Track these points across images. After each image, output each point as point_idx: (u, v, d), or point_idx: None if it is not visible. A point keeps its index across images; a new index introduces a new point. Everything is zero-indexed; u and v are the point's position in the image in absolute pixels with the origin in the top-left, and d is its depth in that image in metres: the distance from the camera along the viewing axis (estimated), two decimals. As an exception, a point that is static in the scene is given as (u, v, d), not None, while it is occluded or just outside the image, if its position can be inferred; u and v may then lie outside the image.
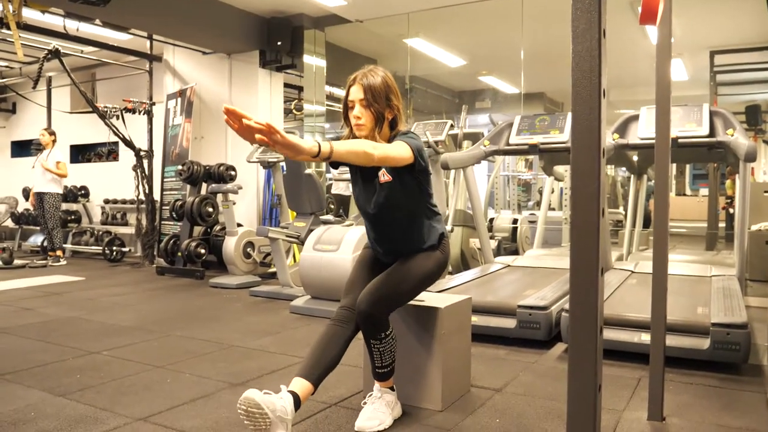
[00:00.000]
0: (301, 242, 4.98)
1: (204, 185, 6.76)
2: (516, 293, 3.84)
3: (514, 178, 10.03)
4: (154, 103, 7.76)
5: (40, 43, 7.15)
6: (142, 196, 7.29)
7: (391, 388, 2.30)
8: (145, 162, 7.35)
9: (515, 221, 7.51)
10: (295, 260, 6.26)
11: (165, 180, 7.51)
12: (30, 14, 5.94)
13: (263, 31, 7.16)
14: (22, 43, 5.68)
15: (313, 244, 4.47)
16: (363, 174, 2.27)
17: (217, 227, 6.64)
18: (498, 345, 3.43)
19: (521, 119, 4.94)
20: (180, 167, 6.75)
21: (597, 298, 1.31)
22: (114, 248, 7.62)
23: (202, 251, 6.38)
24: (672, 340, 2.82)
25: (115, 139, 7.20)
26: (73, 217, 8.87)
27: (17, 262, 7.20)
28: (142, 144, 7.44)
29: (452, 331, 2.48)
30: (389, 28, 7.55)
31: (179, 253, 6.45)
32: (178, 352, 3.33)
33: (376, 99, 2.17)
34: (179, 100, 7.50)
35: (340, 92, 8.26)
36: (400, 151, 2.06)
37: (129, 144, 7.08)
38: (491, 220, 7.45)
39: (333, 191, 7.78)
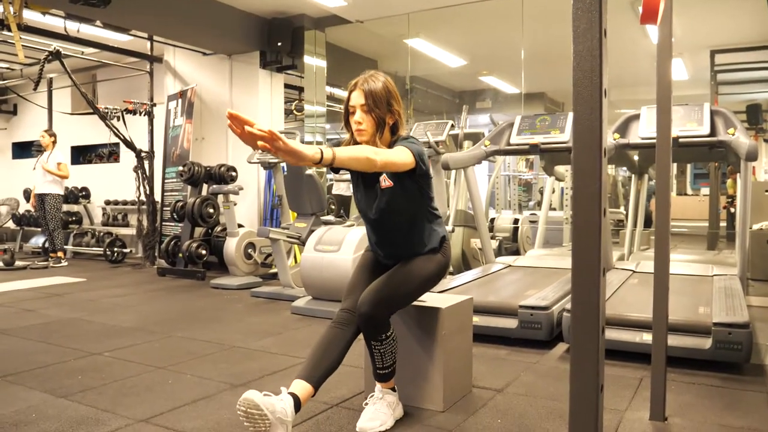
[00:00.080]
0: (302, 243, 4.98)
1: (205, 186, 6.76)
2: (517, 293, 3.84)
3: (514, 178, 10.03)
4: (154, 104, 7.76)
5: (40, 45, 7.15)
6: (143, 197, 7.29)
7: (393, 389, 2.30)
8: (146, 163, 7.35)
9: (516, 221, 7.51)
10: (296, 261, 6.26)
11: (166, 181, 7.51)
12: (31, 16, 5.95)
13: (264, 31, 7.16)
14: (23, 45, 5.69)
15: (314, 244, 4.47)
16: (364, 179, 2.27)
17: (218, 228, 6.64)
18: (499, 345, 3.43)
19: (522, 119, 4.94)
20: (181, 168, 6.75)
21: (599, 298, 1.31)
22: (115, 249, 7.63)
23: (203, 252, 6.38)
24: (674, 340, 2.82)
25: (115, 140, 7.20)
26: (74, 218, 8.87)
27: (18, 263, 7.21)
28: (142, 145, 7.44)
29: (453, 331, 2.48)
30: (389, 29, 7.55)
31: (180, 254, 6.45)
32: (179, 353, 3.33)
33: (377, 104, 2.17)
34: (180, 101, 7.51)
35: (340, 93, 8.27)
36: (402, 157, 2.07)
37: (130, 145, 7.09)
38: (492, 220, 7.45)
39: (334, 192, 7.78)
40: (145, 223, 7.40)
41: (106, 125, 6.92)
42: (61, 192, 7.50)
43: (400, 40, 7.79)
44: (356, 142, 2.22)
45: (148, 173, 7.37)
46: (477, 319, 3.33)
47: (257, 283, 5.67)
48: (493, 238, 6.62)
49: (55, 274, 6.62)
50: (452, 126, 6.04)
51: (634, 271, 4.41)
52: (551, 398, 2.56)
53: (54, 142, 7.54)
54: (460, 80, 10.11)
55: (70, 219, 8.74)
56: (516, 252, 7.01)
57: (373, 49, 8.41)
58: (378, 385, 2.28)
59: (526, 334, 3.41)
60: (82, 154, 9.92)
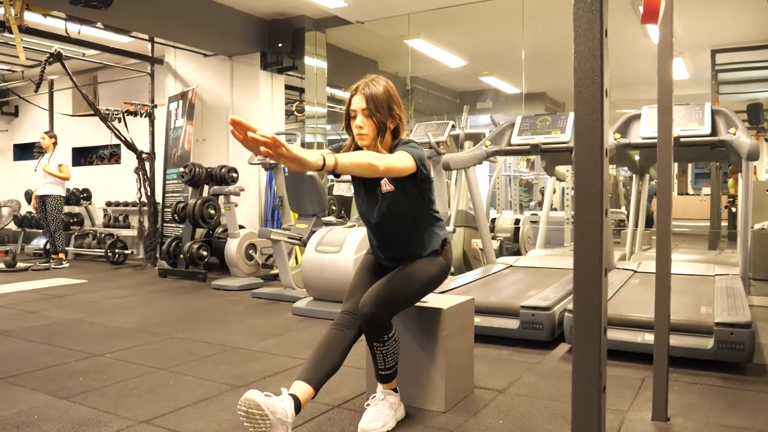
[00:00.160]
0: (303, 244, 4.98)
1: (206, 187, 6.76)
2: (519, 294, 3.83)
3: (515, 179, 10.02)
4: (155, 106, 7.77)
5: (42, 47, 7.16)
6: (144, 199, 7.29)
7: (395, 390, 2.30)
8: (147, 164, 7.36)
9: (517, 222, 7.50)
10: (297, 262, 6.26)
11: (167, 182, 7.52)
12: (32, 17, 5.95)
13: (264, 33, 7.16)
14: (24, 47, 5.69)
15: (315, 245, 4.47)
16: (365, 184, 2.28)
17: (219, 229, 6.64)
18: (501, 346, 3.42)
19: (523, 119, 4.94)
20: (182, 169, 6.75)
21: (601, 298, 1.31)
22: (116, 251, 7.63)
23: (205, 253, 6.38)
24: (676, 340, 2.82)
25: (117, 141, 7.20)
26: (75, 219, 8.88)
27: (20, 265, 7.21)
28: (143, 146, 7.45)
29: (455, 332, 2.48)
30: (390, 29, 7.56)
31: (181, 256, 6.45)
32: (180, 354, 3.33)
33: (378, 108, 2.17)
34: (181, 102, 7.51)
35: (341, 94, 8.27)
36: (403, 162, 2.07)
37: (131, 146, 7.09)
38: (493, 220, 7.45)
39: (335, 193, 7.79)
40: (146, 224, 7.40)
41: (107, 127, 6.92)
42: (63, 193, 7.50)
43: (401, 41, 7.79)
44: (357, 146, 2.23)
45: (149, 174, 7.37)
46: (478, 320, 3.33)
47: (258, 284, 5.67)
48: (494, 238, 6.62)
49: (57, 276, 6.62)
50: (453, 126, 6.04)
51: (635, 271, 4.40)
52: (553, 399, 2.55)
53: (54, 144, 7.54)
54: (461, 81, 10.11)
55: (71, 220, 8.75)
56: (517, 252, 7.00)
57: (374, 49, 8.41)
58: (380, 386, 2.28)
59: (527, 334, 3.40)
60: (83, 156, 9.93)
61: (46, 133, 7.65)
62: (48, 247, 7.76)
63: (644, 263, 4.62)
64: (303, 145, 7.08)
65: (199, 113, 7.56)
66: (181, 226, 6.80)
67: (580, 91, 1.30)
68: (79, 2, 5.00)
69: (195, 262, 6.30)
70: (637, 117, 4.56)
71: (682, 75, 8.57)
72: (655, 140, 2.29)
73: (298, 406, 1.97)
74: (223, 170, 6.73)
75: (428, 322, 2.42)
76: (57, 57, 6.47)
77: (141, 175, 7.21)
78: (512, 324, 3.44)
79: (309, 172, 5.21)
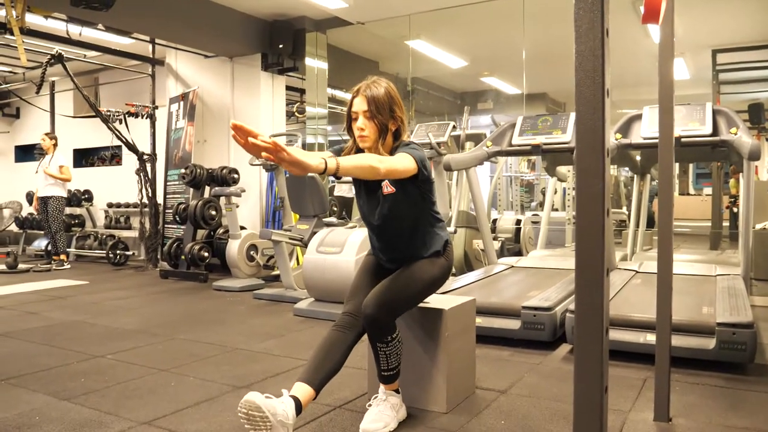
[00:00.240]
0: (305, 245, 4.98)
1: (207, 188, 6.77)
2: (520, 294, 3.83)
3: (516, 179, 10.02)
4: (156, 107, 7.78)
5: (43, 48, 7.17)
6: (145, 200, 7.30)
7: (396, 391, 2.30)
8: (148, 166, 7.36)
9: (518, 222, 7.50)
10: (298, 263, 6.26)
11: (168, 183, 7.52)
12: (33, 19, 5.96)
13: (265, 34, 7.17)
14: (25, 48, 5.70)
15: (317, 246, 4.47)
16: (366, 186, 2.28)
17: (221, 230, 6.64)
18: (502, 346, 3.42)
19: (524, 120, 4.93)
20: (183, 170, 6.76)
21: (602, 299, 1.31)
22: (118, 252, 7.64)
23: (206, 254, 6.39)
24: (677, 341, 2.81)
25: (118, 143, 7.21)
26: (76, 221, 8.89)
27: (22, 266, 7.22)
28: (145, 148, 7.45)
29: (457, 332, 2.48)
30: (391, 30, 7.56)
31: (183, 257, 6.46)
32: (182, 355, 3.33)
33: (380, 110, 2.17)
34: (182, 103, 7.52)
35: (342, 94, 8.27)
36: (405, 163, 2.07)
37: (132, 148, 7.10)
38: (494, 221, 7.44)
39: (336, 193, 7.78)
40: (147, 225, 7.41)
41: (109, 128, 6.93)
42: (64, 194, 7.51)
43: (402, 42, 7.80)
44: (359, 148, 2.23)
45: (150, 176, 7.37)
46: (480, 320, 3.32)
47: (259, 285, 5.67)
48: (495, 239, 6.61)
49: (58, 277, 6.63)
50: (454, 127, 6.04)
51: (637, 272, 4.40)
52: (555, 399, 2.55)
53: (55, 145, 7.55)
54: (462, 81, 10.11)
55: (72, 222, 8.76)
56: (518, 253, 7.00)
57: (375, 50, 8.41)
58: (381, 387, 2.28)
59: (529, 335, 3.40)
60: (84, 157, 9.94)
61: (46, 134, 7.66)
62: (49, 248, 7.77)
63: (646, 263, 4.61)
64: (304, 146, 7.09)
65: (200, 114, 7.56)
66: (182, 227, 6.80)
67: (582, 91, 1.30)
68: (80, 4, 5.01)
69: (196, 263, 6.31)
70: (638, 117, 4.55)
71: (683, 75, 8.56)
72: (656, 140, 2.29)
73: (299, 407, 1.96)
74: (224, 171, 6.73)
75: (430, 322, 2.42)
76: (58, 58, 6.48)
77: (142, 177, 7.22)
78: (514, 324, 3.44)
79: (310, 174, 5.21)
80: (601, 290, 1.31)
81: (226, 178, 6.70)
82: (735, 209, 7.91)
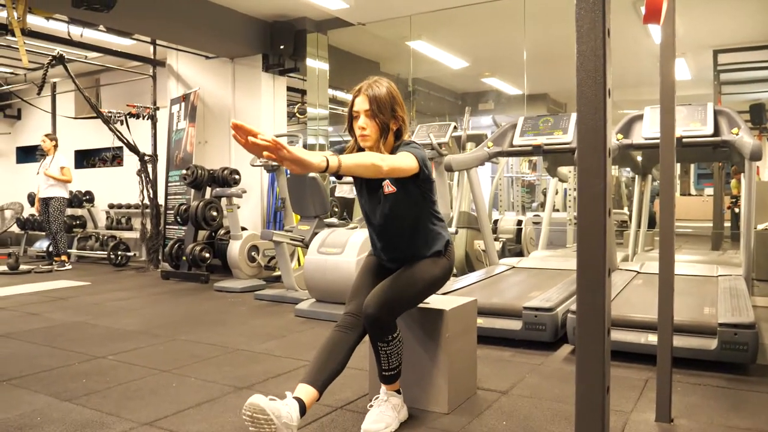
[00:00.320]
0: (306, 245, 4.98)
1: (208, 189, 6.77)
2: (521, 295, 3.83)
3: (517, 180, 10.01)
4: (157, 108, 7.78)
5: (44, 50, 7.19)
6: (146, 201, 7.31)
7: (398, 391, 2.30)
8: (150, 166, 7.37)
9: (519, 223, 7.49)
10: (299, 263, 6.26)
11: (169, 184, 7.52)
12: (34, 21, 5.97)
13: (266, 35, 7.17)
14: (26, 50, 5.70)
15: (318, 247, 4.47)
16: (368, 186, 2.28)
17: (222, 231, 6.65)
18: (503, 347, 3.42)
19: (525, 120, 4.93)
20: (184, 171, 6.76)
21: (604, 299, 1.31)
22: (119, 253, 7.64)
23: (207, 255, 6.39)
24: (679, 341, 2.81)
25: (119, 144, 7.22)
26: (78, 222, 8.90)
27: (23, 267, 7.23)
28: (146, 149, 7.46)
29: (458, 333, 2.47)
30: (392, 31, 7.56)
31: (184, 258, 6.46)
32: (183, 356, 3.33)
33: (381, 110, 2.18)
34: (183, 104, 7.52)
35: (343, 95, 8.27)
36: (406, 162, 2.07)
37: (133, 149, 7.10)
38: (495, 221, 7.44)
39: (337, 194, 7.77)
40: (148, 226, 7.41)
41: (110, 129, 6.94)
42: (66, 195, 7.52)
43: (402, 43, 7.80)
44: (360, 148, 2.23)
45: (151, 177, 7.38)
46: (481, 321, 3.32)
47: (261, 286, 5.67)
48: (496, 239, 6.61)
49: (59, 278, 6.63)
50: (455, 128, 6.04)
51: (638, 272, 4.39)
52: (557, 400, 2.55)
53: (55, 146, 7.56)
54: (463, 82, 10.11)
55: (74, 223, 8.77)
56: (519, 253, 6.99)
57: (375, 51, 8.41)
58: (383, 387, 2.28)
59: (530, 335, 3.40)
60: (85, 158, 9.95)
61: (46, 135, 7.66)
62: (51, 249, 7.77)
63: (647, 264, 4.61)
64: (305, 147, 7.09)
65: (201, 115, 7.57)
66: (183, 228, 6.80)
67: (583, 91, 1.30)
68: (81, 5, 5.01)
69: (197, 264, 6.31)
70: (640, 117, 4.55)
71: (684, 75, 8.55)
72: (658, 141, 2.29)
73: (302, 409, 1.96)
74: (226, 172, 6.74)
75: (431, 323, 2.42)
76: (59, 60, 6.48)
77: (143, 178, 7.22)
78: (515, 325, 3.44)
79: (311, 174, 5.21)
80: (602, 291, 1.31)
81: (227, 179, 6.70)
82: (736, 210, 7.89)
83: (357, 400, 2.54)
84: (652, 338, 2.91)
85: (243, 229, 6.23)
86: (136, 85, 8.46)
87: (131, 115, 7.38)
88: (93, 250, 8.30)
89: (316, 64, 7.42)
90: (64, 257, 7.41)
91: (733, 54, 7.56)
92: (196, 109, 7.33)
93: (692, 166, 12.94)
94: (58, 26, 6.45)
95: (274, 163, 6.03)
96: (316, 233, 4.81)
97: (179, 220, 6.75)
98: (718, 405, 2.46)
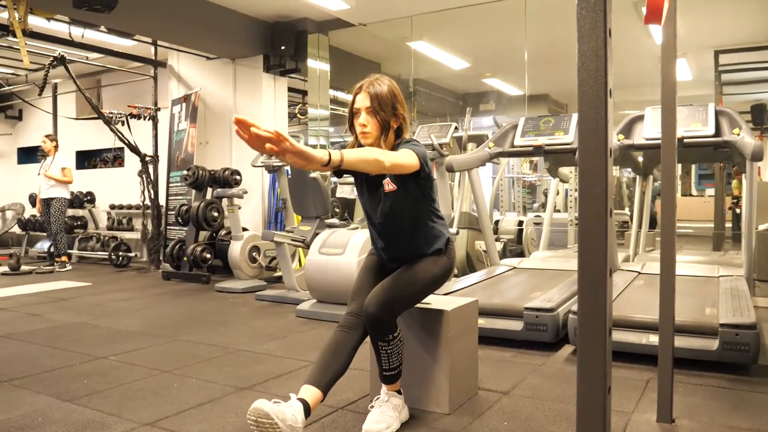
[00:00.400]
0: (307, 246, 4.99)
1: (209, 190, 6.77)
2: (522, 295, 3.83)
3: (519, 180, 10.01)
4: (159, 109, 7.79)
5: (45, 50, 7.20)
6: (147, 202, 7.31)
7: (398, 392, 2.30)
8: (151, 167, 7.37)
9: (521, 223, 7.49)
10: (300, 264, 6.26)
11: (170, 185, 7.53)
12: (36, 21, 5.98)
13: (267, 35, 7.17)
14: (27, 51, 5.71)
15: (319, 247, 4.47)
16: (368, 184, 2.28)
17: (223, 232, 6.65)
18: (505, 347, 3.42)
19: (526, 121, 4.93)
20: (185, 172, 6.77)
21: (606, 300, 1.31)
22: (120, 253, 7.65)
23: (208, 256, 6.39)
24: (680, 341, 2.81)
25: (120, 144, 7.23)
26: (79, 222, 8.90)
27: (24, 268, 7.23)
28: (147, 149, 7.46)
29: (459, 333, 2.47)
30: (393, 32, 7.56)
31: (185, 258, 6.46)
32: (184, 356, 3.33)
33: (383, 107, 2.18)
34: (184, 105, 7.53)
35: (344, 96, 8.28)
36: (408, 159, 2.08)
37: (134, 150, 7.11)
38: (496, 222, 7.43)
39: (338, 195, 7.77)
40: (149, 227, 7.42)
41: (111, 130, 6.94)
42: (67, 196, 7.52)
43: (403, 43, 7.80)
44: (360, 145, 2.23)
45: (152, 177, 7.39)
46: (482, 322, 3.32)
47: (262, 287, 5.68)
48: (497, 240, 6.61)
49: (61, 279, 6.64)
50: (456, 128, 6.04)
51: (639, 273, 4.39)
52: (558, 400, 2.54)
53: (56, 147, 7.57)
54: (464, 82, 10.11)
55: (75, 223, 8.77)
56: (521, 254, 6.99)
57: (377, 52, 8.41)
58: (384, 388, 2.28)
59: (531, 336, 3.40)
60: (86, 159, 9.96)
61: (47, 136, 7.67)
62: (52, 250, 7.78)
63: (648, 264, 4.61)
64: (306, 147, 7.08)
65: (202, 116, 7.57)
66: (184, 228, 6.81)
67: (584, 91, 1.30)
68: (82, 5, 5.02)
69: (198, 264, 6.31)
70: (641, 118, 4.55)
71: (685, 76, 8.55)
72: (659, 141, 2.29)
73: (307, 410, 1.96)
74: (227, 173, 6.74)
75: (432, 323, 2.42)
76: (60, 60, 6.49)
77: (144, 178, 7.23)
78: (516, 326, 3.44)
79: (312, 174, 5.22)
80: (603, 291, 1.31)
81: (228, 179, 6.70)
82: (738, 210, 7.89)
83: (358, 401, 2.54)
84: (654, 339, 2.91)
85: (244, 229, 6.23)
86: (137, 86, 8.47)
87: (132, 115, 7.39)
88: (94, 251, 8.31)
89: (317, 65, 7.42)
90: (64, 258, 7.41)
91: (734, 54, 7.56)
92: (197, 110, 7.33)
93: (693, 166, 12.94)
94: (59, 27, 6.45)
95: (276, 164, 6.04)
96: (317, 234, 4.81)
97: (180, 220, 6.76)
98: (719, 405, 2.46)
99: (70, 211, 8.45)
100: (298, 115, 8.90)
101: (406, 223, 2.27)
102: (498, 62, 9.11)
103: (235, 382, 2.84)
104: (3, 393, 2.71)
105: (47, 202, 7.41)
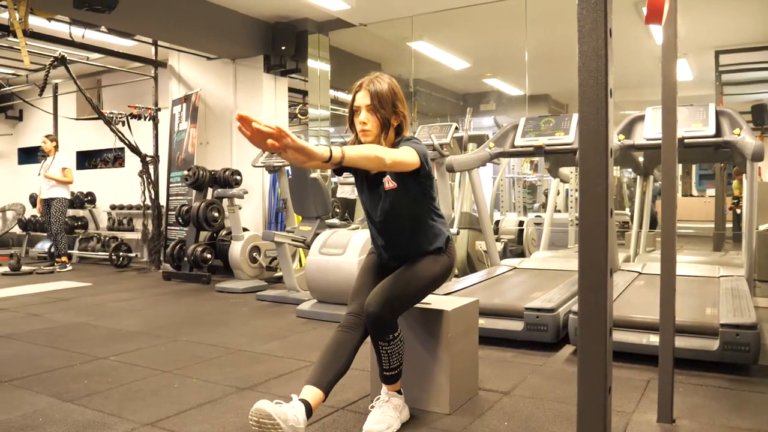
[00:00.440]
0: (307, 246, 4.99)
1: (210, 190, 6.77)
2: (523, 295, 3.83)
3: (519, 181, 10.00)
4: (159, 109, 7.79)
5: (46, 51, 7.20)
6: (148, 202, 7.31)
7: (399, 392, 2.30)
8: (151, 167, 7.38)
9: (521, 223, 7.48)
10: (301, 264, 6.26)
11: (171, 185, 7.53)
12: (36, 22, 5.98)
13: (267, 36, 7.18)
14: (28, 51, 5.71)
15: (319, 248, 4.47)
16: (368, 182, 2.28)
17: (223, 232, 6.65)
18: (505, 348, 3.42)
19: (526, 121, 4.93)
20: (186, 172, 6.77)
21: (606, 300, 1.30)
22: (120, 254, 7.65)
23: (209, 256, 6.39)
24: (681, 342, 2.81)
25: (120, 145, 7.23)
26: (79, 223, 8.91)
27: (25, 268, 7.23)
28: (147, 150, 7.46)
29: (459, 333, 2.47)
30: (393, 32, 7.56)
31: (185, 258, 6.46)
32: (185, 356, 3.33)
33: (383, 105, 2.18)
34: (184, 105, 7.53)
35: (344, 96, 8.28)
36: (409, 156, 2.08)
37: (135, 150, 7.11)
38: (497, 222, 7.43)
39: (338, 195, 7.77)
40: (150, 227, 7.42)
41: (111, 130, 6.94)
42: (67, 196, 7.52)
43: (404, 43, 7.79)
44: (360, 143, 2.23)
45: (153, 178, 7.39)
46: (483, 322, 3.32)
47: (262, 287, 5.68)
48: (498, 240, 6.60)
49: (61, 279, 6.64)
50: (456, 128, 6.03)
51: (640, 273, 4.39)
52: (558, 401, 2.54)
53: (56, 147, 7.57)
54: (464, 83, 10.11)
55: (75, 224, 8.77)
56: (521, 254, 6.99)
57: (377, 52, 8.41)
58: (384, 388, 2.28)
59: (532, 336, 3.40)
60: (87, 159, 9.96)
61: (47, 136, 7.67)
62: (52, 250, 7.78)
63: (649, 265, 4.60)
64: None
65: (202, 116, 7.57)
66: (185, 228, 6.81)
67: (585, 91, 1.30)
68: (83, 6, 5.02)
69: (199, 264, 6.31)
70: (641, 118, 4.54)
71: (686, 76, 8.54)
72: (659, 141, 2.29)
73: (309, 411, 1.97)
74: (227, 173, 6.74)
75: (432, 323, 2.42)
76: (61, 61, 6.49)
77: (145, 179, 7.23)
78: (517, 326, 3.44)
79: (312, 174, 5.22)
80: (604, 291, 1.30)
81: (228, 179, 6.70)
82: (738, 210, 7.89)
83: (359, 401, 2.54)
84: (654, 339, 2.91)
85: (244, 230, 6.23)
86: (138, 86, 8.47)
87: (133, 116, 7.39)
88: (94, 251, 8.31)
89: (318, 65, 7.43)
90: (64, 258, 7.41)
91: (734, 55, 7.56)
92: (197, 110, 7.34)
93: (694, 166, 12.93)
94: (59, 27, 6.45)
95: (276, 164, 6.04)
96: (318, 234, 4.81)
97: (181, 221, 6.76)
98: (719, 406, 2.46)
99: (71, 212, 8.45)
100: (299, 115, 8.91)
101: (406, 221, 2.27)
102: (498, 62, 9.11)
103: (236, 383, 2.84)
104: (3, 393, 2.71)
105: (48, 203, 7.41)
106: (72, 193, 8.01)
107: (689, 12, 6.08)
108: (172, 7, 6.13)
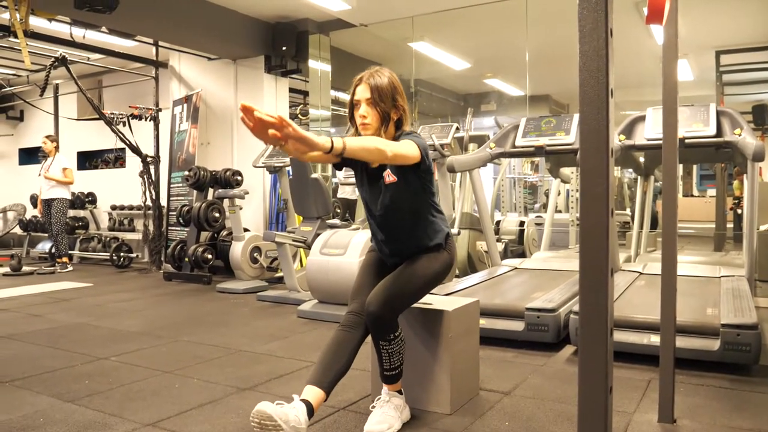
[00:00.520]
0: (308, 247, 4.99)
1: (210, 190, 6.77)
2: (524, 296, 3.83)
3: (520, 181, 10.00)
4: (160, 110, 7.79)
5: (47, 51, 7.21)
6: (149, 202, 7.32)
7: (400, 392, 2.30)
8: (152, 168, 7.38)
9: (522, 224, 7.48)
10: (302, 265, 6.26)
11: (172, 186, 7.53)
12: (37, 22, 5.98)
13: (268, 36, 7.18)
14: (29, 51, 5.72)
15: (320, 248, 4.47)
16: (369, 176, 2.28)
17: (224, 232, 6.65)
18: (506, 348, 3.42)
19: (527, 121, 4.93)
20: (186, 173, 6.77)
21: (607, 300, 1.30)
22: (121, 254, 7.65)
23: (209, 256, 6.39)
24: (682, 342, 2.80)
25: (121, 145, 7.23)
26: (80, 223, 8.91)
27: (25, 268, 7.24)
28: (148, 150, 7.47)
29: (460, 334, 2.47)
30: (394, 32, 7.56)
31: (186, 259, 6.47)
32: (186, 357, 3.34)
33: (383, 99, 2.18)
34: (185, 106, 7.53)
35: (345, 96, 8.28)
36: (410, 150, 2.08)
37: (136, 150, 7.11)
38: (498, 222, 7.43)
39: (339, 195, 7.78)
40: (151, 227, 7.42)
41: (112, 131, 6.95)
42: (68, 196, 7.53)
43: (405, 44, 7.80)
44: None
45: (153, 178, 7.39)
46: (483, 322, 3.32)
47: (263, 287, 5.68)
48: (498, 240, 6.60)
49: (62, 279, 6.64)
50: (457, 129, 6.04)
51: (641, 273, 4.39)
52: (559, 401, 2.54)
53: (56, 148, 7.57)
54: (465, 83, 10.11)
55: (76, 224, 8.78)
56: (522, 254, 6.98)
57: (378, 52, 8.42)
58: (385, 388, 2.28)
59: (532, 336, 3.39)
60: (88, 160, 9.97)
61: (47, 137, 7.67)
62: (53, 251, 7.78)
63: (649, 265, 4.60)
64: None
65: (203, 116, 7.58)
66: (185, 229, 6.81)
67: (586, 91, 1.30)
68: (83, 6, 5.03)
69: (200, 265, 6.32)
70: (642, 118, 4.54)
71: (686, 76, 8.54)
72: (660, 141, 2.29)
73: (310, 411, 1.97)
74: (228, 173, 6.74)
75: (433, 324, 2.42)
76: (62, 61, 6.50)
77: (146, 179, 7.24)
78: (517, 326, 3.44)
79: (313, 174, 5.22)
80: (605, 291, 1.30)
81: (229, 180, 6.70)
82: (739, 211, 7.88)
83: (359, 401, 2.54)
84: (655, 339, 2.91)
85: (245, 230, 6.23)
86: (139, 87, 8.48)
87: (134, 116, 7.40)
88: (95, 252, 8.31)
89: (319, 66, 7.43)
90: (65, 258, 7.41)
91: (735, 55, 7.56)
92: (198, 111, 7.34)
93: (695, 167, 12.92)
94: (60, 28, 6.46)
95: (277, 164, 6.04)
96: (319, 234, 4.82)
97: (182, 221, 6.75)
98: (720, 406, 2.46)
99: (72, 212, 8.46)
100: (300, 115, 8.90)
101: (407, 215, 2.27)
102: (499, 63, 9.11)
103: (237, 383, 2.84)
104: (4, 393, 2.72)
105: (48, 203, 7.41)
106: (73, 194, 8.02)
107: (690, 12, 6.08)
108: (172, 8, 6.14)
